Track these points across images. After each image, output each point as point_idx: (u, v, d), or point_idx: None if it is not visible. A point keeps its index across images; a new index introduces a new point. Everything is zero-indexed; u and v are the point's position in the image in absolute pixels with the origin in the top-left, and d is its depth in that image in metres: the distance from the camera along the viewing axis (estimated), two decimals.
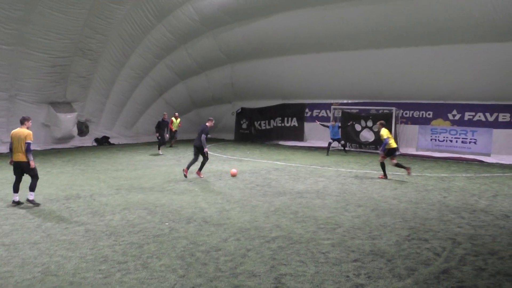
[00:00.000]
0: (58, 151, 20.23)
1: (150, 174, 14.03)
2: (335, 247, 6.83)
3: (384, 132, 13.43)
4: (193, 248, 6.72)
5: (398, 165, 13.53)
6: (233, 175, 13.65)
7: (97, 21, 18.96)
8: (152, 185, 12.00)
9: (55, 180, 12.60)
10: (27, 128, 9.50)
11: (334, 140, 20.32)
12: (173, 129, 23.03)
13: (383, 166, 13.68)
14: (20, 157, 9.29)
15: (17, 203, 9.44)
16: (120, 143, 24.45)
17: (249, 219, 8.43)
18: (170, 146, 22.89)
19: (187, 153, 19.77)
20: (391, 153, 13.45)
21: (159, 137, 20.21)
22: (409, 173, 13.91)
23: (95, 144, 23.34)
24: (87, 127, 22.90)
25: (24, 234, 7.33)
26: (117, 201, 9.95)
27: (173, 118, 23.12)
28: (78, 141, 22.47)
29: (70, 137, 21.76)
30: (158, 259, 6.20)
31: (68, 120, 20.81)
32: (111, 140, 24.14)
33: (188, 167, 13.38)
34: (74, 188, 11.46)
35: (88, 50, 19.93)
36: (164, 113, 21.77)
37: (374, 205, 9.83)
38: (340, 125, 20.93)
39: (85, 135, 22.88)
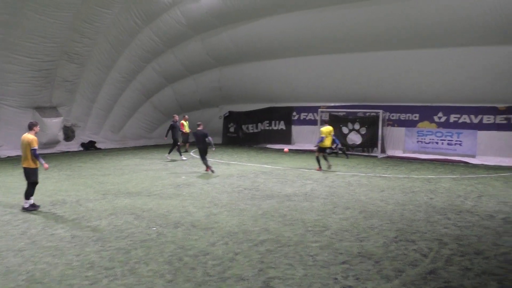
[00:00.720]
0: (44, 156, 19.89)
1: (137, 178, 13.94)
2: (323, 249, 6.85)
3: (324, 130, 15.93)
4: (181, 252, 6.68)
5: (317, 159, 16.13)
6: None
7: (83, 25, 18.81)
8: (140, 190, 11.93)
9: (41, 185, 12.38)
10: (35, 133, 9.62)
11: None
12: (186, 132, 22.24)
13: (318, 159, 16.15)
14: (25, 163, 9.44)
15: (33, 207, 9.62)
16: (107, 147, 24.26)
17: (237, 223, 8.42)
18: (186, 151, 22.11)
19: (174, 157, 19.71)
20: (323, 150, 16.15)
21: (176, 142, 19.16)
22: (319, 170, 15.99)
23: (81, 149, 23.13)
24: (73, 131, 22.68)
25: (8, 241, 7.23)
26: (103, 206, 9.86)
27: (183, 121, 22.55)
28: (64, 146, 22.25)
29: (56, 142, 21.53)
30: (146, 265, 6.16)
31: (53, 125, 20.59)
32: (98, 145, 23.94)
33: (207, 166, 15.08)
34: (60, 193, 11.34)
35: (74, 54, 19.76)
36: (174, 115, 21.06)
37: (361, 207, 9.88)
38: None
39: (71, 140, 22.66)
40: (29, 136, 9.43)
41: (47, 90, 20.17)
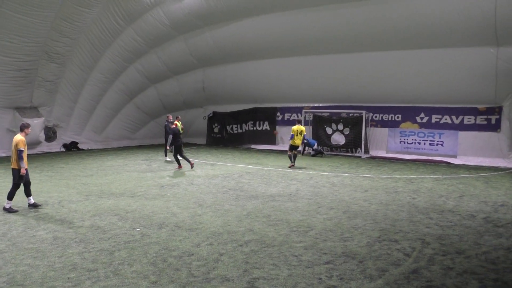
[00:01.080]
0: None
1: (120, 179, 13.82)
2: (308, 249, 6.87)
3: (295, 128, 16.91)
4: (165, 253, 6.64)
5: (290, 157, 17.22)
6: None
7: (64, 25, 18.57)
8: (123, 191, 11.82)
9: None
10: (26, 135, 9.60)
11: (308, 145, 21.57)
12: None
13: (290, 157, 17.22)
14: (13, 164, 9.47)
15: (33, 206, 9.75)
16: (89, 148, 24.01)
17: (222, 223, 8.40)
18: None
19: (159, 157, 19.59)
20: (294, 148, 17.08)
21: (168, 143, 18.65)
22: (291, 166, 16.92)
23: (63, 149, 22.84)
24: (54, 132, 22.39)
25: None
26: (86, 208, 9.75)
27: (176, 122, 22.16)
28: (45, 147, 21.94)
29: (37, 143, 21.21)
30: (130, 266, 6.11)
31: (34, 126, 20.22)
32: (80, 146, 23.67)
33: (184, 162, 16.29)
34: (42, 195, 11.17)
35: (55, 53, 19.49)
36: (168, 115, 20.71)
37: (345, 208, 9.95)
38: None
39: (52, 141, 22.36)
40: (18, 137, 9.44)
41: (28, 90, 19.87)
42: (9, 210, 9.35)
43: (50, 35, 18.48)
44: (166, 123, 19.57)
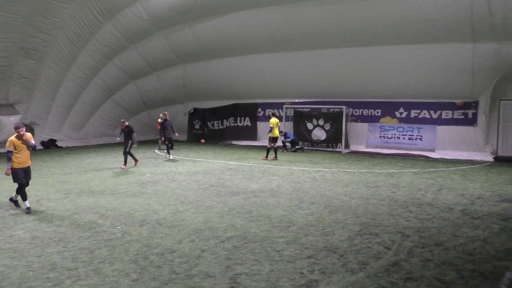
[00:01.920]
0: (1, 155, 19.30)
1: (101, 177, 13.66)
2: (289, 244, 6.91)
3: (272, 121, 18.00)
4: (147, 251, 6.60)
5: (275, 149, 18.24)
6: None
7: (41, 20, 18.24)
8: (103, 188, 11.69)
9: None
10: (17, 136, 9.33)
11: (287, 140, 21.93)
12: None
13: (268, 150, 18.20)
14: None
15: (13, 201, 9.69)
16: (68, 146, 23.66)
17: (204, 220, 8.38)
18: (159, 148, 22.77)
19: (138, 155, 19.44)
20: (274, 140, 18.01)
21: (166, 140, 19.00)
22: (264, 159, 17.83)
23: (41, 147, 22.46)
24: (32, 130, 21.96)
25: None
26: (66, 206, 9.62)
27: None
28: None
29: None
30: (111, 264, 6.05)
31: (11, 123, 19.85)
32: (59, 143, 23.30)
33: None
34: None
35: (31, 50, 19.13)
36: (165, 112, 20.41)
37: (326, 202, 10.02)
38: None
39: None
40: (10, 138, 9.28)
41: (3, 87, 19.49)
42: (13, 201, 9.65)
43: (26, 30, 18.14)
44: (162, 121, 19.90)
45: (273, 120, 18.12)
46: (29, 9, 17.29)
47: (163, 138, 20.04)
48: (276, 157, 18.13)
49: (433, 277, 5.62)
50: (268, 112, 24.79)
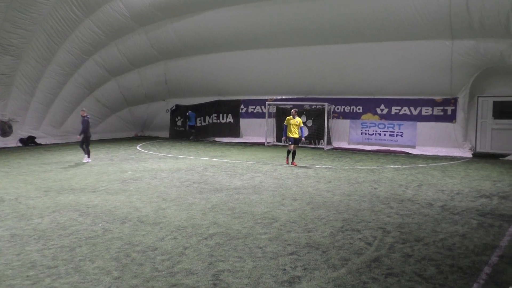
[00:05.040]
0: None
1: (81, 174, 13.49)
2: (272, 241, 6.93)
3: (289, 120, 15.46)
4: (129, 248, 6.55)
5: (292, 153, 15.60)
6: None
7: (18, 15, 17.89)
8: (84, 186, 11.55)
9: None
10: None
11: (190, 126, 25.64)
12: None
13: (288, 152, 15.86)
14: None
15: None
16: (48, 143, 23.29)
17: (186, 217, 8.35)
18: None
19: (119, 152, 19.25)
20: (292, 141, 15.52)
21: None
22: (287, 163, 15.82)
23: (20, 144, 22.06)
24: (10, 127, 21.58)
25: None
26: (45, 204, 9.48)
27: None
28: (1, 142, 21.13)
29: None
30: (92, 262, 5.99)
31: None
32: (38, 140, 22.92)
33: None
34: None
35: (9, 45, 18.76)
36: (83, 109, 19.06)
37: (309, 199, 10.08)
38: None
39: (8, 136, 21.54)
40: None
41: None
42: None
43: (3, 26, 17.78)
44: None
45: (288, 118, 15.59)
46: (5, 5, 16.96)
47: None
48: (293, 161, 15.64)
49: (414, 273, 5.70)
50: (251, 108, 24.80)
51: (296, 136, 15.41)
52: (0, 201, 9.70)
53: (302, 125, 15.82)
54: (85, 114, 16.61)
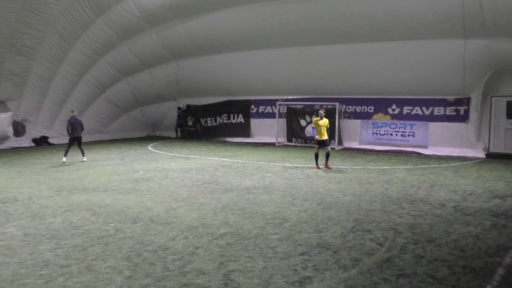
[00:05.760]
0: None
1: (93, 174, 13.60)
2: (283, 241, 6.92)
3: (318, 122, 14.79)
4: (140, 248, 6.58)
5: (326, 156, 14.97)
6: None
7: (31, 16, 18.08)
8: (96, 185, 11.64)
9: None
10: None
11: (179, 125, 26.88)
12: None
13: (315, 156, 15.09)
14: None
15: None
16: (60, 143, 23.49)
17: (197, 217, 8.37)
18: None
19: (130, 152, 19.36)
20: (319, 144, 14.97)
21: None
22: (317, 167, 14.81)
23: (33, 144, 22.30)
24: (23, 127, 21.81)
25: None
26: (58, 203, 9.57)
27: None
28: (14, 142, 21.38)
29: (5, 138, 20.65)
30: (104, 261, 6.03)
31: (2, 120, 19.74)
32: (51, 140, 23.14)
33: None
34: (11, 191, 10.91)
35: (22, 46, 18.96)
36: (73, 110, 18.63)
37: (320, 199, 10.05)
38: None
39: (21, 136, 21.79)
40: None
41: None
42: None
43: (16, 27, 17.97)
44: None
45: (316, 120, 14.90)
46: (18, 6, 17.14)
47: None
48: (326, 163, 14.99)
49: (426, 274, 5.65)
50: (262, 108, 24.78)
51: (326, 138, 14.73)
52: (14, 201, 9.82)
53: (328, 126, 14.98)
54: (71, 115, 16.67)
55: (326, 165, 14.93)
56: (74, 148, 17.18)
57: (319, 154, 14.99)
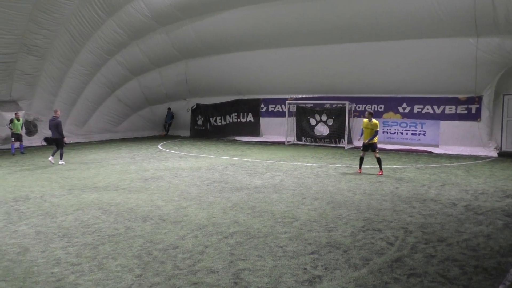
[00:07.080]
0: (5, 151, 19.36)
1: (104, 173, 13.69)
2: (293, 240, 6.91)
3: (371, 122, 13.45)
4: (150, 246, 6.61)
5: (378, 161, 13.62)
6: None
7: (42, 16, 18.21)
8: (107, 184, 11.72)
9: (2, 181, 12.07)
10: None
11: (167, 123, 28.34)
12: None
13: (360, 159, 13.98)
14: None
15: None
16: (71, 142, 23.66)
17: (207, 216, 8.39)
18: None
19: (141, 151, 19.47)
20: (365, 148, 13.84)
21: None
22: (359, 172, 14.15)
23: (44, 143, 22.48)
24: (35, 126, 22.02)
25: None
26: (69, 202, 9.65)
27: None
28: (26, 141, 21.51)
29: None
30: (114, 259, 6.07)
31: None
32: None
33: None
34: (23, 189, 11.02)
35: (33, 46, 19.11)
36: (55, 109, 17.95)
37: (329, 198, 10.02)
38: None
39: (33, 135, 21.99)
40: None
41: (6, 84, 19.50)
42: None
43: (28, 27, 18.13)
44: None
45: (365, 121, 13.70)
46: (30, 6, 17.26)
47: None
48: (380, 169, 13.56)
49: (437, 273, 5.61)
50: (271, 107, 24.76)
51: (373, 141, 13.41)
52: (26, 199, 9.92)
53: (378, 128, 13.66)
54: (54, 115, 16.24)
55: (379, 172, 13.46)
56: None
57: (364, 158, 13.87)
